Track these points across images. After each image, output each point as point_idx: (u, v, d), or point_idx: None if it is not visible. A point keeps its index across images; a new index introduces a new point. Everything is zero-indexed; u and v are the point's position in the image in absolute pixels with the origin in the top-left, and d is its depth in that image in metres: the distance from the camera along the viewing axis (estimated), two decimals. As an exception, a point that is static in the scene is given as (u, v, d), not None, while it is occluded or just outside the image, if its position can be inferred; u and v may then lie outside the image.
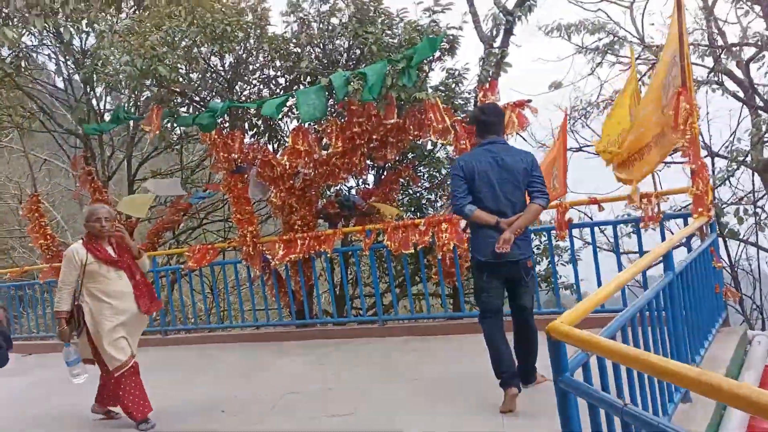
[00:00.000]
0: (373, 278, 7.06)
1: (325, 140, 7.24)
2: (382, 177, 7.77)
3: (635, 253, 6.27)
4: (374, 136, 6.81)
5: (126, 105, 7.85)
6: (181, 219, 9.29)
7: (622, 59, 8.59)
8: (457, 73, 7.33)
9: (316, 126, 7.20)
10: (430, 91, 6.63)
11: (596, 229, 6.12)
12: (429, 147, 8.41)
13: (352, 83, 6.44)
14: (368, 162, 7.57)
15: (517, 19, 6.22)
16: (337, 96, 6.57)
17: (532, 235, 6.05)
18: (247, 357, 6.57)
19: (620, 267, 5.67)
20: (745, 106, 8.45)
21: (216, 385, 5.55)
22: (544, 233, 6.51)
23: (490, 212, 3.83)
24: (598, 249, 8.32)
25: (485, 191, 3.86)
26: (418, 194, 8.44)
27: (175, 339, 8.07)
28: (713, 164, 8.57)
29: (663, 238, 5.59)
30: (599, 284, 5.54)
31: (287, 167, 6.97)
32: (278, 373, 5.66)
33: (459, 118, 6.71)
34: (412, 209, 8.38)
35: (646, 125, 5.13)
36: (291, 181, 7.14)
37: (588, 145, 9.14)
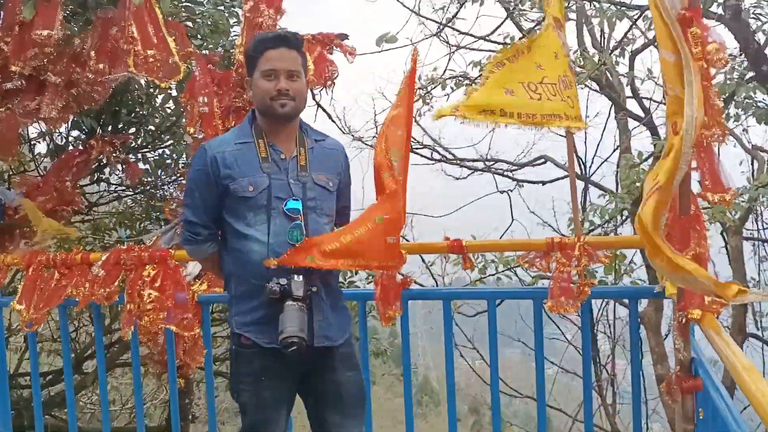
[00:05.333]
0: None
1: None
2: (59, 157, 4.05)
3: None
4: (14, 67, 3.15)
5: None
6: None
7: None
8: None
9: None
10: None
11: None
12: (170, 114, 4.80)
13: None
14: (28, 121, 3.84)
15: None
16: None
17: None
18: None
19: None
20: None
21: None
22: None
23: None
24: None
25: None
26: (144, 198, 4.74)
27: None
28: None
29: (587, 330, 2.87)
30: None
31: None
32: None
33: (197, 50, 3.33)
34: (125, 224, 4.66)
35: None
36: None
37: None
